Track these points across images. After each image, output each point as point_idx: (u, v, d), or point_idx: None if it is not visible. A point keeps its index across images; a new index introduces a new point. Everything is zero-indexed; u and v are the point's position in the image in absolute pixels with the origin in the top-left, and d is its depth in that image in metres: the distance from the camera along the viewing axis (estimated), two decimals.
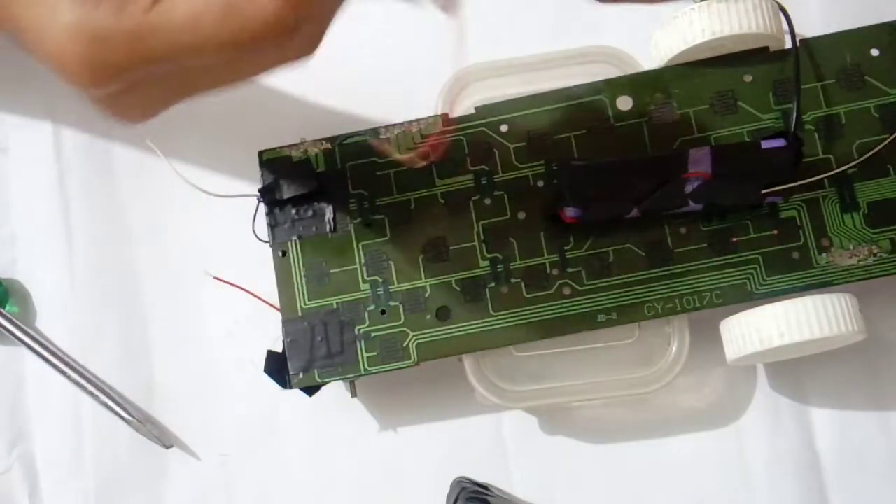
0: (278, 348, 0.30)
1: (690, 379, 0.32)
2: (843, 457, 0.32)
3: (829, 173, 0.29)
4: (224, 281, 0.33)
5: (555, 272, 0.30)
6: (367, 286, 0.30)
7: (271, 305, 0.31)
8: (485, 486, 0.32)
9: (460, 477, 0.32)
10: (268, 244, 0.31)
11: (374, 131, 0.31)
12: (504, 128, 0.31)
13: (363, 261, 0.30)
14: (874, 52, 0.30)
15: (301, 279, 0.30)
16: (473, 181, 0.31)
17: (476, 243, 0.30)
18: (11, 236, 0.35)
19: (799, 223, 0.30)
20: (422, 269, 0.30)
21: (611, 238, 0.30)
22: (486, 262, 0.30)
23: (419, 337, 0.30)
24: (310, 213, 0.31)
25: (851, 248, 0.29)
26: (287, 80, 0.35)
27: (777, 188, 0.29)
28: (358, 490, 0.33)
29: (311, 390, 0.30)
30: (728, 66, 0.30)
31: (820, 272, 0.29)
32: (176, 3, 0.20)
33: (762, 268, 0.29)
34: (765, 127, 0.30)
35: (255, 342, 0.31)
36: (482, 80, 0.32)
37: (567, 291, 0.30)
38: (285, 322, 0.30)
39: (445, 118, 0.31)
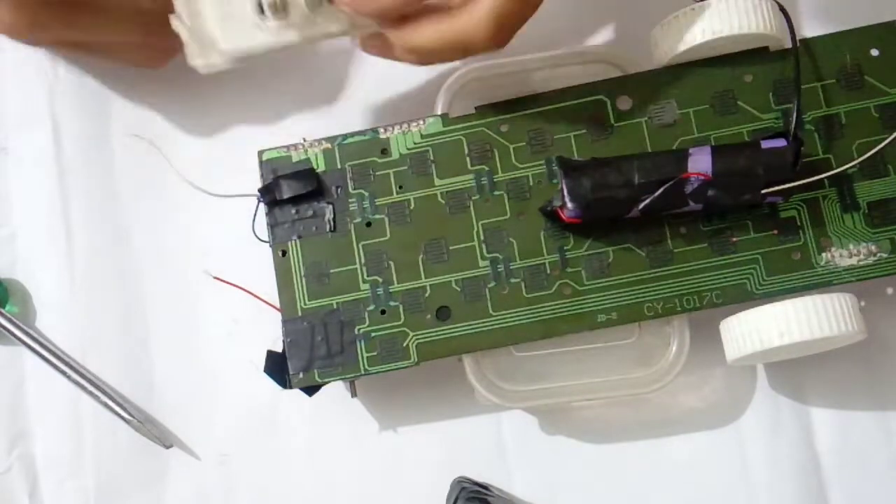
0: (278, 348, 0.30)
1: (690, 379, 0.32)
2: (843, 457, 0.32)
3: (829, 173, 0.29)
4: (224, 281, 0.33)
5: (555, 272, 0.30)
6: (367, 286, 0.30)
7: (271, 305, 0.31)
8: (485, 486, 0.32)
9: (460, 477, 0.32)
10: (268, 244, 0.31)
11: (374, 131, 0.31)
12: (504, 128, 0.31)
13: (363, 261, 0.30)
14: (874, 52, 0.30)
15: (301, 279, 0.30)
16: (473, 181, 0.31)
17: (476, 243, 0.30)
18: (11, 236, 0.35)
19: (799, 223, 0.30)
20: (422, 269, 0.30)
21: (611, 238, 0.30)
22: (486, 262, 0.30)
23: (419, 337, 0.30)
24: (310, 213, 0.31)
25: (851, 248, 0.29)
26: (287, 80, 0.35)
27: (777, 188, 0.29)
28: (358, 490, 0.33)
29: (311, 390, 0.30)
30: (728, 66, 0.30)
31: (820, 272, 0.29)
32: None
33: (762, 268, 0.29)
34: (765, 127, 0.30)
35: (255, 342, 0.31)
36: (482, 80, 0.32)
37: (567, 291, 0.30)
38: (285, 322, 0.30)
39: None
